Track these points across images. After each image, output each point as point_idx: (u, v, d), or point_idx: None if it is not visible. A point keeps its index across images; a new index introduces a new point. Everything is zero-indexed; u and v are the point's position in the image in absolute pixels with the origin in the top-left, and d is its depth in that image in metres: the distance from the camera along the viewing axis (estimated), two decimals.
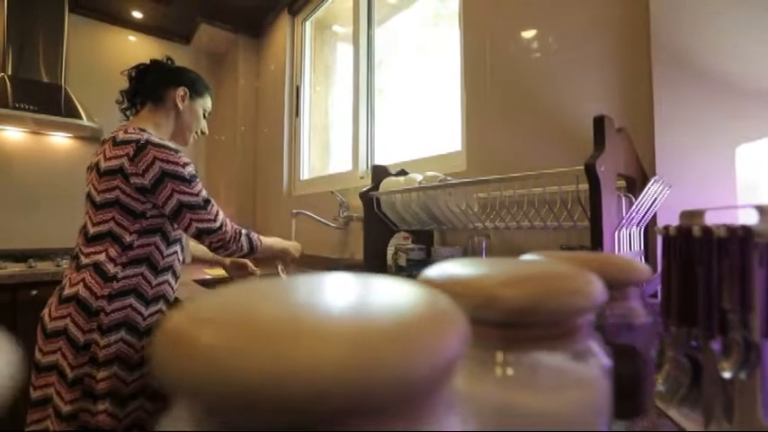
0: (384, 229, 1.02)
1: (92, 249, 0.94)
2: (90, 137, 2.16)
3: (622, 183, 0.71)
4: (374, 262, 1.00)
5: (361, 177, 1.58)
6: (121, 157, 0.92)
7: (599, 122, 0.61)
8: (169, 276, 1.02)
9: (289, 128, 2.08)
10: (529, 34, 0.99)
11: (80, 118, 1.93)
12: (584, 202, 0.69)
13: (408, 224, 0.98)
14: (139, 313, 0.96)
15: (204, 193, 0.99)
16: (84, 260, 0.94)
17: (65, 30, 1.99)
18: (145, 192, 0.93)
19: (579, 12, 0.89)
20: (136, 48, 2.37)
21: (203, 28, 2.29)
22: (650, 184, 0.59)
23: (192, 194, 0.95)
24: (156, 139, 0.95)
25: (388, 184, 0.98)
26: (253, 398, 0.08)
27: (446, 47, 1.50)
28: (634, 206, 0.60)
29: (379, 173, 1.02)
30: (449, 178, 0.93)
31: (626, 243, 0.63)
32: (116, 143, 0.95)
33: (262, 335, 0.08)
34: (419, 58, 1.60)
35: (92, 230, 0.95)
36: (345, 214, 1.45)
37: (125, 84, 1.10)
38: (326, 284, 0.13)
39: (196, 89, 1.11)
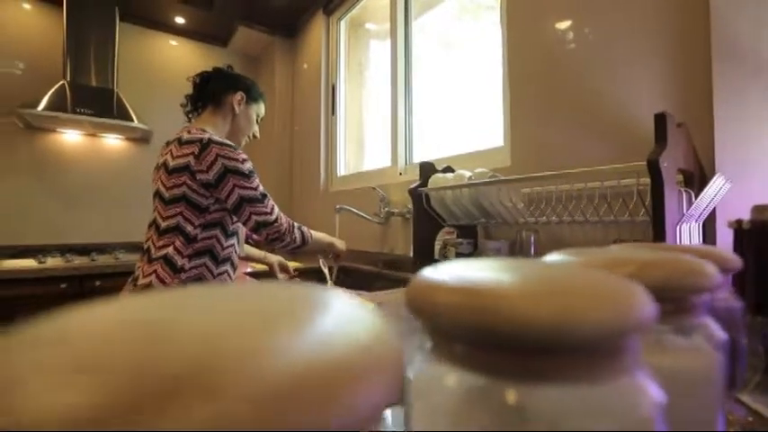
0: (432, 223, 1.05)
1: (162, 242, 1.02)
2: (139, 138, 2.28)
3: (680, 177, 0.72)
4: (423, 256, 1.04)
5: (401, 173, 1.62)
6: (188, 155, 0.99)
7: (661, 118, 0.62)
8: (228, 267, 1.09)
9: (325, 125, 2.13)
10: (576, 27, 0.99)
11: (131, 120, 2.05)
12: (637, 197, 0.71)
13: (457, 219, 1.01)
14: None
15: (261, 187, 1.05)
16: (155, 253, 1.02)
17: (116, 37, 2.11)
18: (209, 187, 1.00)
19: (632, 3, 0.89)
20: (177, 52, 2.48)
21: (241, 30, 2.37)
22: (715, 179, 0.60)
23: (251, 189, 1.01)
24: (217, 138, 1.02)
25: (436, 180, 1.01)
26: (549, 336, 0.12)
27: (474, 40, 1.51)
28: (697, 201, 0.61)
29: (427, 170, 1.06)
30: (498, 175, 0.96)
31: (686, 237, 0.64)
32: (182, 143, 1.03)
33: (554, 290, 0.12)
34: (448, 53, 1.62)
35: (162, 225, 1.03)
36: (386, 209, 1.49)
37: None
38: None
39: (251, 95, 1.18)
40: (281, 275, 1.41)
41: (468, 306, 0.14)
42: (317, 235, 1.18)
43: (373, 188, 1.53)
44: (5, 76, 2.00)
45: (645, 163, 0.60)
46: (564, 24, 1.02)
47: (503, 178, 0.84)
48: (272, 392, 0.07)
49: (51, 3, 2.06)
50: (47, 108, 1.85)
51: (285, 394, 0.07)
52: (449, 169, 1.10)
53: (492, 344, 0.14)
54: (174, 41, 2.47)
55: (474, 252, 1.03)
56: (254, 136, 1.23)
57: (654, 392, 0.15)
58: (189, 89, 1.18)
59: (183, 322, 0.09)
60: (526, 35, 1.11)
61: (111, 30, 2.10)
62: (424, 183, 1.04)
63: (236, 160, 1.01)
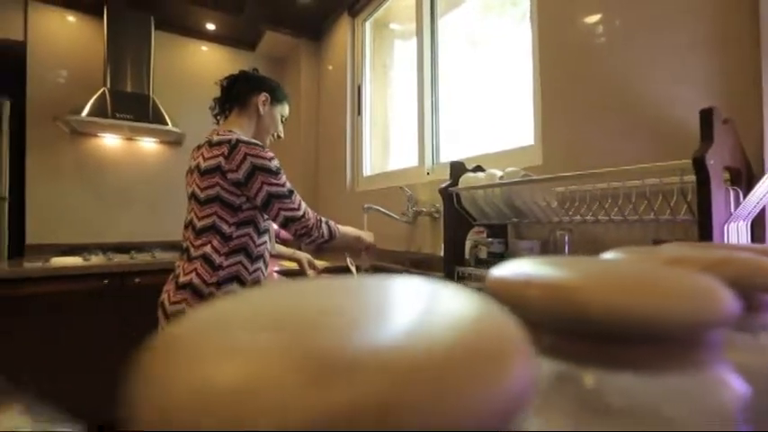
0: (462, 223, 1.05)
1: (200, 241, 1.06)
2: (173, 141, 2.37)
3: (727, 175, 0.69)
4: (453, 255, 1.05)
5: (428, 173, 1.62)
6: (218, 156, 1.03)
7: (707, 114, 0.60)
8: (261, 264, 1.13)
9: (351, 126, 2.16)
10: (610, 19, 0.97)
11: (165, 124, 2.14)
12: (678, 195, 0.69)
13: (488, 218, 1.01)
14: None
15: (288, 184, 1.08)
16: (194, 252, 1.07)
17: (151, 45, 2.20)
18: (239, 185, 1.03)
19: None
20: (208, 57, 2.56)
21: (268, 34, 2.43)
22: (766, 177, 0.58)
23: (278, 185, 1.04)
24: (245, 138, 1.06)
25: (467, 179, 1.01)
26: (642, 327, 0.12)
27: (501, 37, 1.49)
28: (746, 199, 0.59)
29: (458, 169, 1.06)
30: (531, 174, 0.95)
31: (734, 237, 0.62)
32: (211, 145, 1.07)
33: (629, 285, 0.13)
34: (474, 51, 1.61)
35: (198, 225, 1.07)
36: (414, 209, 1.50)
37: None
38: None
39: (276, 96, 1.21)
40: (309, 272, 1.44)
41: (561, 299, 0.15)
42: (345, 229, 1.20)
43: (401, 188, 1.54)
44: (51, 85, 2.12)
45: (690, 160, 0.59)
46: (596, 17, 1.00)
47: (540, 177, 0.83)
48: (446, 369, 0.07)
49: (93, 15, 2.17)
50: (90, 114, 1.95)
51: (457, 370, 0.07)
52: (479, 168, 1.10)
53: (579, 334, 0.15)
54: (204, 47, 2.55)
55: (505, 252, 1.02)
56: (279, 136, 1.26)
57: (737, 386, 0.16)
58: (218, 93, 1.23)
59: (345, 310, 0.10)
60: (557, 29, 1.09)
61: (147, 38, 2.19)
62: (454, 182, 1.04)
63: (264, 158, 1.04)
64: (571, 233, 0.95)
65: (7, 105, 2.05)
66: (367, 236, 1.28)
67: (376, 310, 0.09)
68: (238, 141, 1.03)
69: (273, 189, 1.03)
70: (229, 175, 1.02)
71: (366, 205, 1.47)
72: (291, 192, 1.07)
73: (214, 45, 2.57)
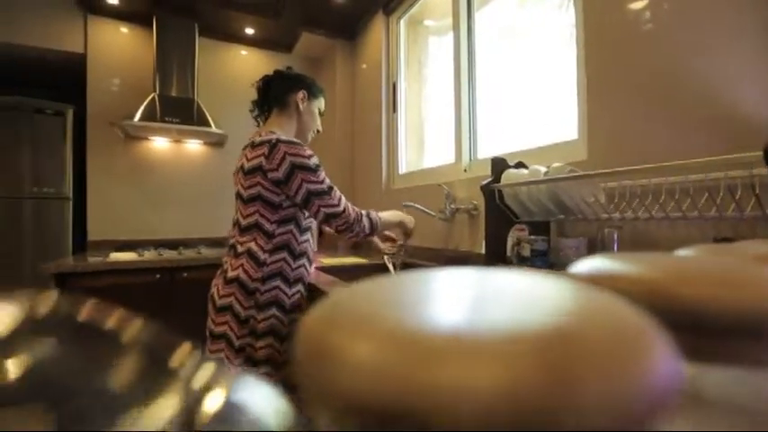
0: (503, 220, 1.04)
1: (245, 239, 1.11)
2: (216, 142, 2.49)
3: None
4: (494, 252, 1.03)
5: (465, 170, 1.61)
6: (259, 156, 1.06)
7: None
8: (305, 261, 1.16)
9: (386, 124, 2.17)
10: (662, 2, 0.92)
11: (209, 126, 2.24)
12: (743, 190, 0.65)
13: (531, 215, 0.99)
14: (285, 293, 1.11)
15: (328, 180, 1.10)
16: (240, 248, 1.11)
17: (195, 52, 2.31)
18: (280, 184, 1.06)
19: None
20: (247, 60, 2.65)
21: (304, 36, 2.48)
22: None
23: (317, 182, 1.06)
24: (284, 137, 1.08)
25: (509, 176, 1.00)
26: (747, 320, 0.12)
27: (540, 27, 1.45)
28: None
29: (499, 165, 1.04)
30: (577, 169, 0.92)
31: None
32: (254, 146, 1.10)
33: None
34: (512, 45, 1.57)
35: (243, 223, 1.11)
36: (452, 206, 1.49)
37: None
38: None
39: (312, 91, 1.23)
40: (383, 246, 1.43)
41: (657, 293, 0.15)
42: (385, 217, 1.20)
43: (439, 185, 1.53)
44: (108, 93, 2.27)
45: (761, 152, 0.55)
46: (650, 3, 0.95)
47: (593, 172, 0.80)
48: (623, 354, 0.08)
49: (143, 25, 2.31)
50: (141, 118, 2.08)
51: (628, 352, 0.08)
52: (521, 165, 1.08)
53: (672, 328, 0.15)
54: (244, 51, 2.65)
55: (549, 249, 1.00)
56: (318, 131, 1.29)
57: None
58: (255, 95, 1.26)
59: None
60: (603, 15, 1.05)
61: (192, 45, 2.31)
62: (496, 179, 1.03)
63: (303, 156, 1.06)
64: (620, 230, 0.91)
65: (70, 113, 2.22)
66: (409, 221, 1.29)
67: (529, 297, 0.10)
68: (278, 141, 1.06)
69: (313, 186, 1.05)
70: (270, 175, 1.05)
71: (404, 203, 1.48)
72: (331, 188, 1.09)
73: (253, 49, 2.66)
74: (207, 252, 2.09)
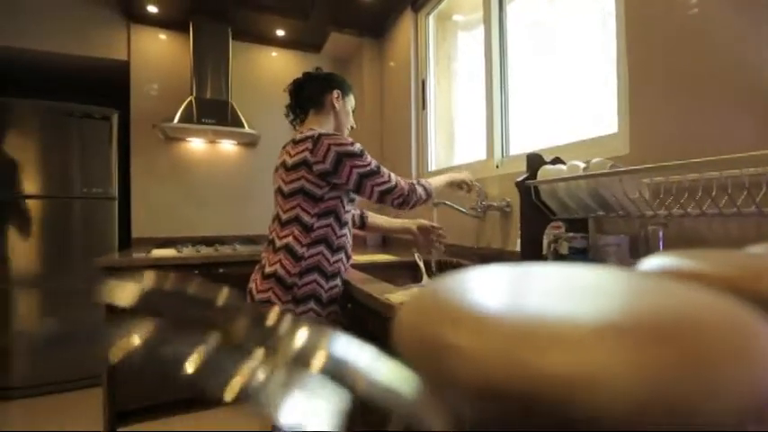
0: (540, 217, 1.02)
1: (284, 233, 1.13)
2: (249, 142, 2.56)
3: None
4: (530, 250, 1.02)
5: (497, 166, 1.58)
6: (303, 151, 1.09)
7: None
8: (342, 255, 1.18)
9: (415, 121, 2.17)
10: None
11: (243, 126, 2.31)
12: None
13: (570, 212, 0.96)
14: (322, 287, 1.13)
15: (374, 161, 1.12)
16: (278, 243, 1.14)
17: (229, 55, 2.39)
18: (327, 175, 1.08)
19: None
20: (277, 61, 2.71)
21: (333, 36, 2.51)
22: None
23: (365, 165, 1.09)
24: (325, 131, 1.12)
25: (546, 172, 0.97)
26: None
27: (573, 17, 1.40)
28: None
29: (535, 161, 1.02)
30: (619, 165, 0.89)
31: None
32: (296, 142, 1.13)
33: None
34: (543, 35, 1.53)
35: (284, 217, 1.14)
36: (484, 203, 1.48)
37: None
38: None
39: (344, 90, 1.26)
40: (423, 240, 1.44)
41: (741, 289, 0.15)
42: (437, 182, 1.23)
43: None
44: (149, 97, 2.39)
45: None
46: None
47: (638, 167, 0.77)
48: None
49: (180, 31, 2.41)
50: (180, 120, 2.17)
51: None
52: (558, 160, 1.05)
53: None
54: (274, 53, 2.71)
55: (588, 247, 0.97)
56: (352, 127, 1.31)
57: None
58: (287, 95, 1.29)
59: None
60: (648, 3, 1.00)
61: (226, 48, 2.38)
62: (532, 175, 1.01)
63: (346, 144, 1.09)
64: (666, 228, 0.87)
65: (116, 117, 2.35)
66: (458, 176, 1.32)
67: (636, 289, 0.10)
68: (321, 135, 1.09)
69: (362, 170, 1.08)
70: (315, 168, 1.08)
71: (435, 200, 1.47)
72: (378, 167, 1.11)
73: (283, 50, 2.71)
74: (241, 249, 2.16)
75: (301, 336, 0.11)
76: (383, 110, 2.53)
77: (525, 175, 1.01)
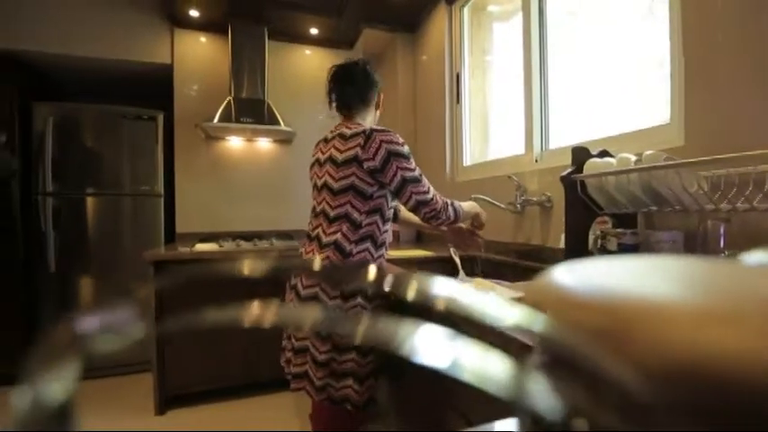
0: (586, 212, 0.98)
1: (332, 230, 1.12)
2: (284, 140, 2.62)
3: None
4: (575, 246, 0.98)
5: (536, 160, 1.54)
6: (354, 147, 1.08)
7: None
8: (384, 251, 1.18)
9: (450, 115, 2.14)
10: None
11: (279, 124, 2.37)
12: None
13: (619, 206, 0.92)
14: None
15: (418, 168, 1.11)
16: (325, 239, 1.13)
17: (265, 54, 2.45)
18: (375, 172, 1.08)
19: None
20: (311, 59, 2.75)
21: (365, 32, 2.52)
22: None
23: (410, 170, 1.09)
24: (377, 126, 1.11)
25: (594, 165, 0.94)
26: None
27: (612, 6, 1.33)
28: None
29: (580, 155, 0.99)
30: (674, 157, 0.84)
31: None
32: (345, 138, 1.12)
33: None
34: (584, 23, 1.46)
35: (332, 213, 1.13)
36: (523, 198, 1.44)
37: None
38: None
39: (381, 88, 1.26)
40: (454, 240, 1.44)
41: None
42: (465, 207, 1.22)
43: (509, 177, 1.49)
44: (191, 98, 2.49)
45: None
46: None
47: (703, 159, 0.73)
48: None
49: (220, 33, 2.49)
50: (220, 120, 2.26)
51: None
52: (605, 153, 1.01)
53: None
54: (308, 51, 2.75)
55: (639, 243, 0.93)
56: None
57: None
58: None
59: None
60: None
61: (262, 49, 2.44)
62: (578, 169, 0.97)
63: (398, 143, 1.08)
64: (728, 224, 0.82)
65: (161, 118, 2.47)
66: (483, 214, 1.31)
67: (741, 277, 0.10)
68: (372, 131, 1.09)
69: (407, 174, 1.08)
70: (366, 164, 1.08)
71: (473, 195, 1.46)
72: (421, 175, 1.11)
73: (316, 48, 2.75)
74: (278, 243, 2.22)
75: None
76: (416, 105, 2.52)
77: (571, 169, 0.98)
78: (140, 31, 2.39)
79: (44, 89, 2.59)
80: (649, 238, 0.92)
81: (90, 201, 2.37)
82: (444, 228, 1.29)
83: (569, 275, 0.13)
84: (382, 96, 1.24)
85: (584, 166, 0.96)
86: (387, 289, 0.15)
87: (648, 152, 0.85)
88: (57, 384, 0.10)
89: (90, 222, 2.37)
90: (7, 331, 2.26)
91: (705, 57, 0.94)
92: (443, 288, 0.12)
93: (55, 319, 2.29)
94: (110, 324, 0.12)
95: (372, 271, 0.17)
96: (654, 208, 0.87)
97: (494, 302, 0.11)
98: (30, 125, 2.29)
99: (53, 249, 2.29)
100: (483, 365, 0.10)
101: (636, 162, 0.86)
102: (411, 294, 0.11)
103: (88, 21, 2.30)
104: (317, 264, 0.18)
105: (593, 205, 0.98)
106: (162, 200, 2.49)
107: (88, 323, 0.11)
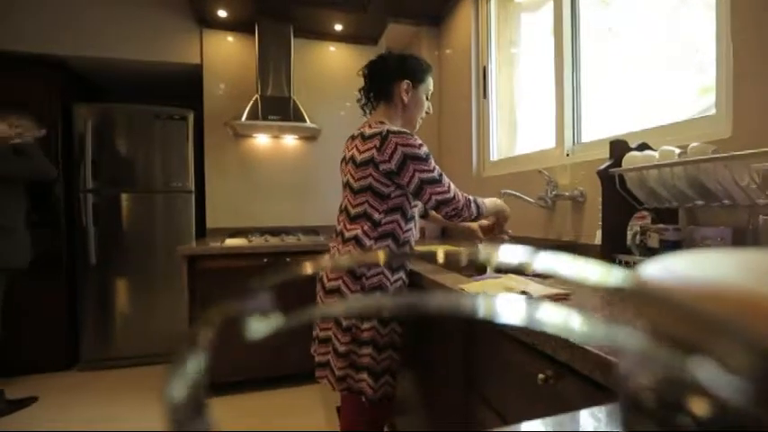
0: (624, 207, 0.95)
1: (353, 227, 1.17)
2: (310, 136, 2.65)
3: None
4: (613, 242, 0.95)
5: (568, 154, 1.50)
6: (371, 149, 1.10)
7: None
8: (407, 249, 1.19)
9: (476, 110, 2.11)
10: None
11: (305, 121, 2.39)
12: None
13: (660, 201, 0.89)
14: (388, 279, 1.16)
15: (438, 168, 1.11)
16: (347, 234, 1.17)
17: (291, 52, 2.47)
18: (391, 175, 1.09)
19: None
20: (335, 56, 2.76)
21: (390, 27, 2.50)
22: None
23: (428, 171, 1.08)
24: (394, 128, 1.10)
25: (634, 159, 0.90)
26: None
27: None
28: None
29: (619, 148, 0.95)
30: (720, 150, 0.80)
31: None
32: (365, 138, 1.14)
33: None
34: (614, 13, 1.40)
35: (352, 212, 1.17)
36: (554, 193, 1.41)
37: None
38: None
39: (417, 77, 1.21)
40: (486, 237, 1.42)
41: None
42: (488, 204, 1.22)
43: (539, 171, 1.45)
44: (220, 96, 2.55)
45: None
46: None
47: (759, 151, 0.69)
48: None
49: (246, 32, 2.53)
50: (247, 118, 2.30)
51: None
52: (645, 146, 0.97)
53: None
54: (332, 47, 2.75)
55: (682, 240, 0.89)
56: (427, 113, 1.29)
57: None
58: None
59: None
60: None
61: (288, 46, 2.47)
62: (616, 162, 0.94)
63: (414, 146, 1.08)
64: None
65: (191, 116, 2.55)
66: (506, 210, 1.30)
67: None
68: (389, 132, 1.09)
69: (425, 175, 1.08)
70: (381, 166, 1.09)
71: (503, 191, 1.43)
72: (441, 175, 1.11)
73: (341, 44, 2.75)
74: (305, 239, 2.25)
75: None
76: (441, 100, 2.49)
77: (608, 163, 0.95)
78: (171, 33, 2.46)
79: (83, 91, 2.71)
80: (693, 234, 0.88)
81: (125, 197, 2.47)
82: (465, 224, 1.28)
83: (682, 269, 0.13)
84: (405, 87, 1.18)
85: (623, 160, 0.92)
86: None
87: (694, 144, 0.81)
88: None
89: (125, 218, 2.48)
90: (53, 321, 2.40)
91: (756, 41, 0.89)
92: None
93: (95, 311, 2.41)
94: (258, 308, 0.12)
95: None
96: (700, 202, 0.83)
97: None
98: (71, 126, 2.40)
99: (93, 244, 2.41)
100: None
101: (680, 155, 0.82)
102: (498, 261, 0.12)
103: (122, 24, 2.39)
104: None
105: (632, 200, 0.95)
106: (193, 196, 2.57)
107: (244, 305, 0.12)
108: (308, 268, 0.18)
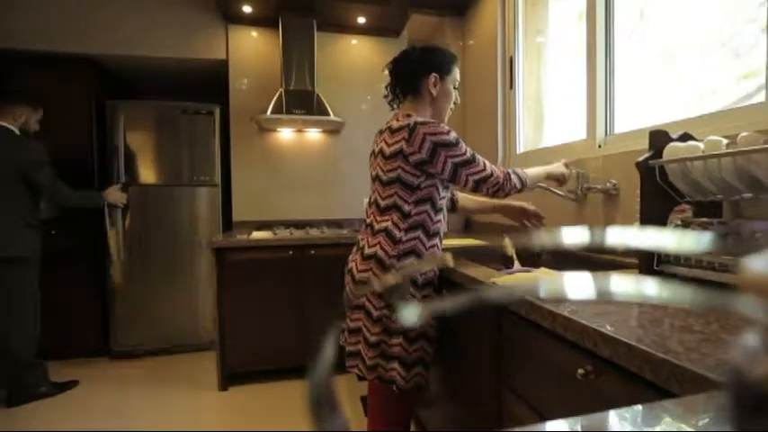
0: (664, 201, 0.92)
1: (383, 218, 1.17)
2: (333, 130, 2.66)
3: None
4: None
5: (600, 146, 1.45)
6: (399, 141, 1.11)
7: None
8: (437, 240, 1.19)
9: (502, 101, 2.07)
10: None
11: (328, 115, 2.40)
12: None
13: (706, 194, 0.85)
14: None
15: (469, 150, 1.11)
16: (377, 226, 1.18)
17: (314, 46, 2.48)
18: (423, 164, 1.09)
19: None
20: (357, 49, 2.75)
21: (413, 18, 2.47)
22: None
23: (461, 154, 1.09)
24: (421, 119, 1.11)
25: (676, 149, 0.87)
26: None
27: None
28: None
29: (659, 139, 0.92)
30: None
31: None
32: (393, 131, 1.14)
33: None
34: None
35: (382, 204, 1.18)
36: (585, 185, 1.37)
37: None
38: None
39: (444, 69, 1.20)
40: (519, 219, 1.43)
41: None
42: (532, 172, 1.21)
43: (566, 165, 1.42)
44: (245, 91, 2.59)
45: None
46: None
47: None
48: None
49: (270, 27, 2.55)
50: (272, 112, 2.33)
51: None
52: (687, 136, 0.93)
53: None
54: (354, 40, 2.74)
55: (727, 235, 0.85)
56: (455, 103, 1.28)
57: None
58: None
59: None
60: None
61: (311, 40, 2.48)
62: (656, 154, 0.91)
63: (442, 133, 1.08)
64: None
65: (218, 111, 2.60)
66: (557, 168, 1.29)
67: None
68: (416, 124, 1.09)
69: (458, 159, 1.09)
70: (411, 158, 1.09)
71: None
72: (474, 156, 1.11)
73: (363, 37, 2.74)
74: (329, 232, 2.28)
75: None
76: (465, 91, 2.45)
77: (648, 155, 0.91)
78: (198, 30, 2.51)
79: (115, 88, 2.80)
80: (740, 228, 0.84)
81: (153, 191, 2.55)
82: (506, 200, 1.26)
83: None
84: (432, 80, 1.17)
85: (665, 151, 0.89)
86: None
87: (744, 134, 0.77)
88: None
89: (154, 211, 2.55)
90: (85, 311, 2.51)
91: None
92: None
93: (123, 302, 2.51)
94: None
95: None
96: (748, 195, 0.79)
97: None
98: (104, 122, 2.49)
99: (122, 237, 2.50)
100: None
101: (728, 145, 0.79)
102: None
103: (151, 23, 2.45)
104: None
105: (673, 193, 0.91)
106: (219, 190, 2.63)
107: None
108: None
